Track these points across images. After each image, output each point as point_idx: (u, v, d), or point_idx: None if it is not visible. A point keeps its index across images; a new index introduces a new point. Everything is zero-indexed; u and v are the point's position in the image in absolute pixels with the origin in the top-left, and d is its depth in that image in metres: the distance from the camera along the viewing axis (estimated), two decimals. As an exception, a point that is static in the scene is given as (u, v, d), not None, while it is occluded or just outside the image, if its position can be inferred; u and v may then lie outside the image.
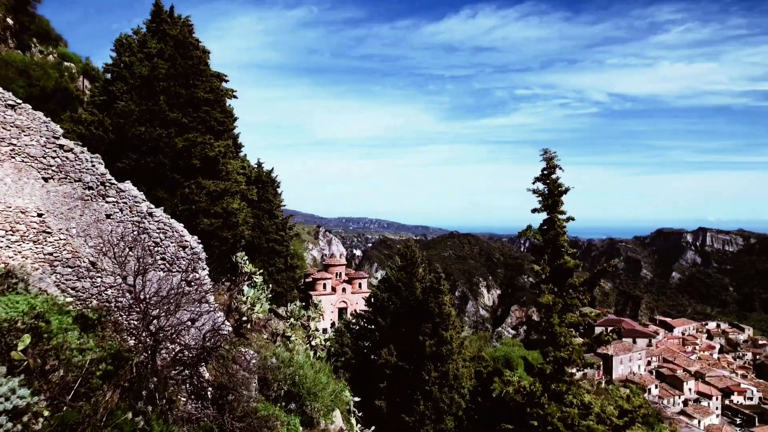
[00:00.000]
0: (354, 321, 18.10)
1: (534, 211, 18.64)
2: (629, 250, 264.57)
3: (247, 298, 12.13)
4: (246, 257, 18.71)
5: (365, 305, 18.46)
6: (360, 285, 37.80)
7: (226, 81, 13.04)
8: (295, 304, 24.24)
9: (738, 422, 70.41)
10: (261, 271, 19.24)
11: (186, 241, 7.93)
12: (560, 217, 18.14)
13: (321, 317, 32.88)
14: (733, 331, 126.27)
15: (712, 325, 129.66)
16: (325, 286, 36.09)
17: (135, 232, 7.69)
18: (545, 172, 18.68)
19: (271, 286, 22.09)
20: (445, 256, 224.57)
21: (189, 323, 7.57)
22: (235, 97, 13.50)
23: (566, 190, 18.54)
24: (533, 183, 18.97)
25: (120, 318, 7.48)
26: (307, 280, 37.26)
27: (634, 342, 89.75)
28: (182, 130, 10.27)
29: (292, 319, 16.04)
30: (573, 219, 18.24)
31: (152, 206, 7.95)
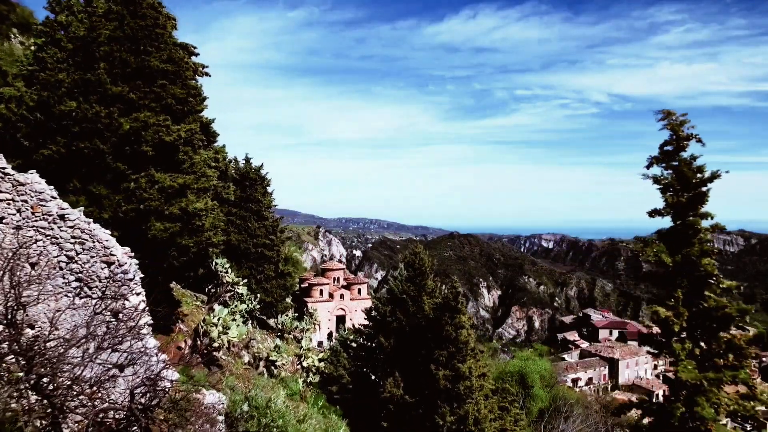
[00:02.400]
0: (352, 338, 15.75)
1: (653, 214, 11.62)
2: (630, 251, 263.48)
3: (218, 319, 9.80)
4: (228, 265, 16.37)
5: (365, 318, 16.10)
6: (359, 291, 35.40)
7: (196, 54, 10.72)
8: (287, 315, 21.85)
9: (749, 428, 68.11)
10: (245, 280, 16.92)
11: (112, 255, 5.61)
12: (703, 223, 11.09)
13: (317, 327, 30.54)
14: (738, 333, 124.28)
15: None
16: (321, 292, 33.68)
17: (37, 243, 5.41)
18: (669, 147, 11.54)
19: (259, 295, 19.74)
20: (445, 256, 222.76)
21: (116, 371, 5.35)
22: (207, 74, 11.16)
23: (713, 176, 10.95)
24: (647, 166, 11.62)
25: (14, 368, 5.23)
26: (302, 285, 34.86)
27: (640, 345, 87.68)
28: (129, 108, 7.96)
29: (278, 341, 13.67)
30: (723, 229, 11.44)
31: (65, 206, 5.63)
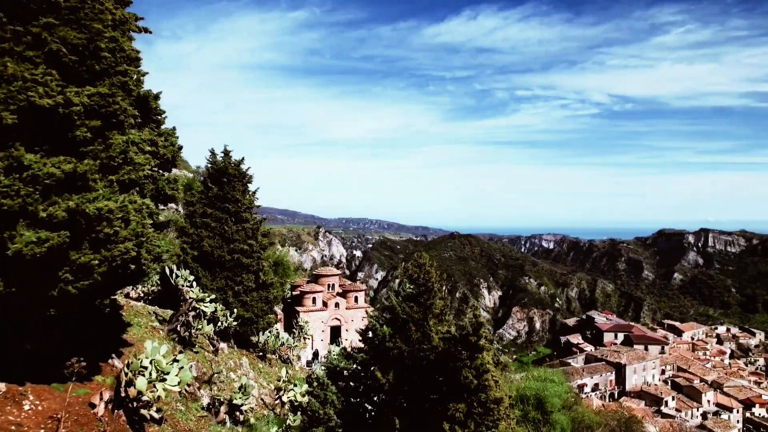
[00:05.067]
0: (342, 365, 12.98)
1: None
2: (631, 251, 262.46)
3: (150, 361, 6.98)
4: (192, 278, 13.56)
5: (359, 340, 13.30)
6: (356, 299, 32.48)
7: (127, 3, 7.96)
8: (270, 333, 19.05)
9: None
10: (213, 295, 14.10)
11: None
12: None
13: (307, 342, 27.64)
14: (744, 336, 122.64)
15: (721, 329, 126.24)
16: (314, 300, 30.77)
17: None
18: None
19: (236, 310, 16.93)
20: (445, 257, 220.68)
21: None
22: (145, 30, 8.39)
23: None
24: None
25: None
26: (293, 293, 31.97)
27: (646, 349, 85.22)
28: (-10, 55, 5.26)
29: (245, 379, 10.79)
30: None
31: None
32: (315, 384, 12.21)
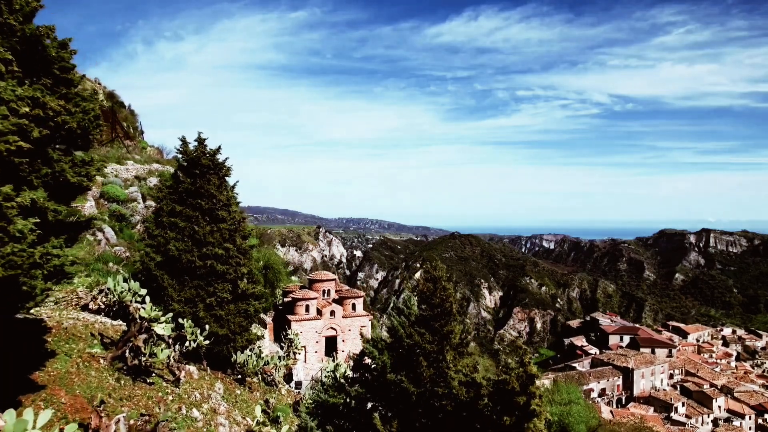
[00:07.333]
0: (332, 400, 10.27)
1: None
2: (632, 251, 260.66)
3: None
4: (144, 290, 10.83)
5: (351, 367, 10.62)
6: (354, 306, 29.70)
7: None
8: (251, 351, 16.33)
9: None
10: (172, 314, 11.35)
11: None
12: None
13: (297, 356, 24.89)
14: (750, 338, 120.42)
15: (727, 330, 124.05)
16: (307, 308, 27.98)
17: None
18: None
19: (208, 327, 14.22)
20: (446, 257, 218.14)
21: None
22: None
23: None
24: None
25: None
26: (285, 299, 29.23)
27: (653, 352, 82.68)
28: None
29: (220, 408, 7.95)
30: None
31: None
32: (296, 429, 9.52)
